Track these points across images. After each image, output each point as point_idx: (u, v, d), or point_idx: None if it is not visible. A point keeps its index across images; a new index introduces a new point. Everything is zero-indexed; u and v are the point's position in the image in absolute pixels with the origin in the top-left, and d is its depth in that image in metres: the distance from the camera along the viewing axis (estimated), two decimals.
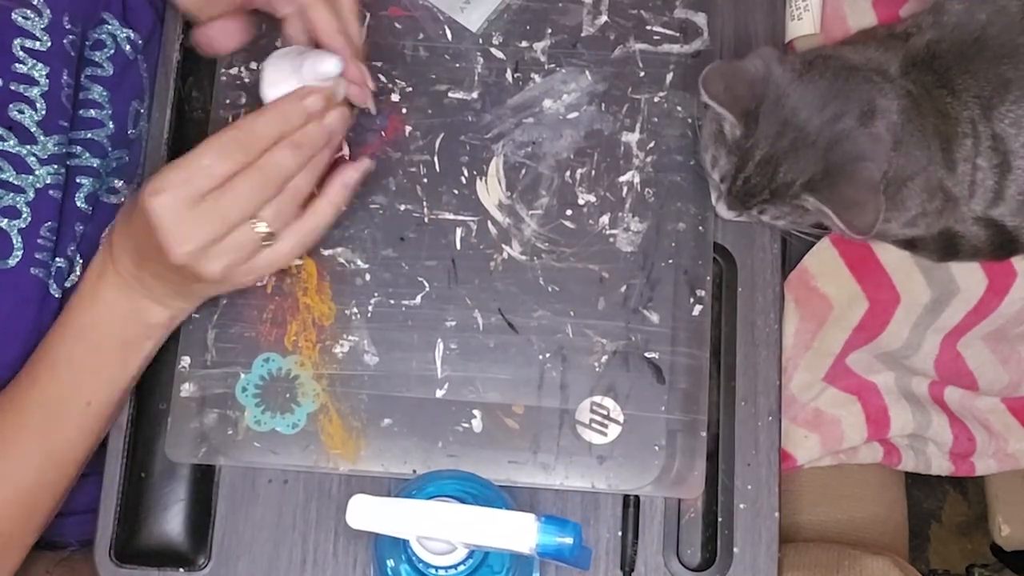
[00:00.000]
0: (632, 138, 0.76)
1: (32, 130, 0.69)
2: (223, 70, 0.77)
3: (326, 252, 0.73)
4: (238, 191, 0.60)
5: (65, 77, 0.70)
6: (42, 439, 0.65)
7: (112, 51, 0.76)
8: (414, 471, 0.70)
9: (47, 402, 0.65)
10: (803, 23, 0.82)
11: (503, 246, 0.74)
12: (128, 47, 0.77)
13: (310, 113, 0.62)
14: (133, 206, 0.62)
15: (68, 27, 0.71)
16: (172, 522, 0.71)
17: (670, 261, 0.73)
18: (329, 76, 0.63)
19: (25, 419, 0.65)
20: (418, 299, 0.73)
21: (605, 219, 0.74)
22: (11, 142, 0.68)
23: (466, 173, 0.75)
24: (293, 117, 0.61)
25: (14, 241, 0.67)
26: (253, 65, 0.76)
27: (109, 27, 0.76)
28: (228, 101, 0.76)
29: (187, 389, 0.71)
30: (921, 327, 0.80)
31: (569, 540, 0.52)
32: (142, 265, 0.63)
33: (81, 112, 0.74)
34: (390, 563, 0.59)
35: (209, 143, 0.60)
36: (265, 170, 0.60)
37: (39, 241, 0.68)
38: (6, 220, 0.67)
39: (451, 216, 0.74)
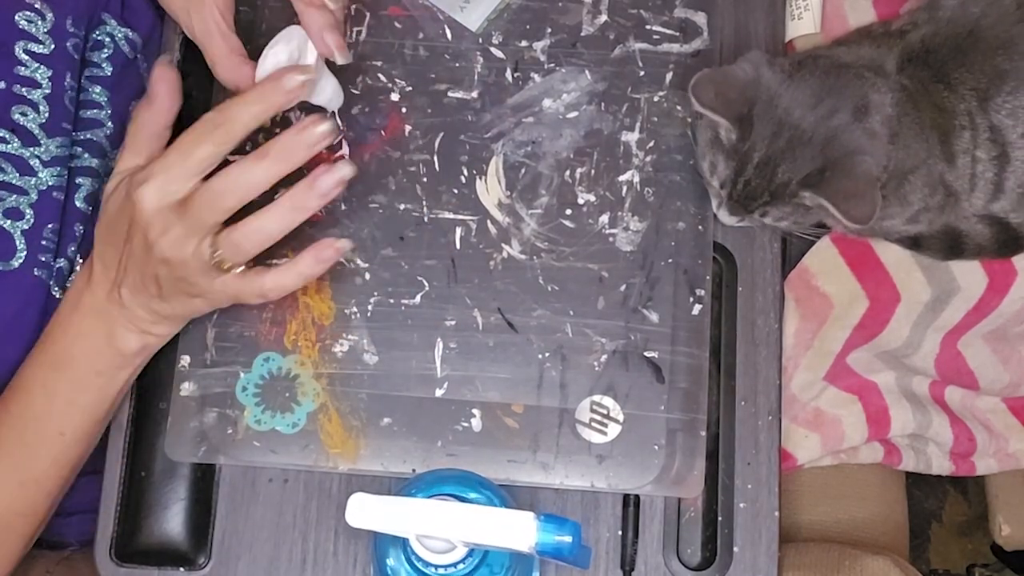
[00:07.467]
0: (632, 137, 0.76)
1: (35, 133, 0.69)
2: None
3: None
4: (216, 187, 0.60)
5: (68, 80, 0.71)
6: (15, 467, 0.65)
7: (111, 51, 0.76)
8: (414, 470, 0.70)
9: (21, 431, 0.65)
10: (803, 22, 0.82)
11: (503, 245, 0.74)
12: (127, 47, 0.77)
13: (288, 90, 0.60)
14: (117, 211, 0.62)
15: (71, 30, 0.71)
16: (172, 521, 0.71)
17: (670, 260, 0.73)
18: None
19: None
20: (418, 298, 0.73)
21: (605, 218, 0.74)
22: (14, 144, 0.68)
23: (466, 172, 0.75)
24: (271, 95, 0.60)
25: (17, 243, 0.67)
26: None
27: (108, 27, 0.76)
28: None
29: (187, 388, 0.71)
30: (921, 326, 0.80)
31: (568, 539, 0.52)
32: (124, 279, 0.63)
33: (81, 112, 0.74)
34: (390, 562, 0.59)
35: (189, 131, 0.61)
36: (233, 174, 0.60)
37: (42, 243, 0.68)
38: (9, 222, 0.67)
39: (451, 215, 0.74)
